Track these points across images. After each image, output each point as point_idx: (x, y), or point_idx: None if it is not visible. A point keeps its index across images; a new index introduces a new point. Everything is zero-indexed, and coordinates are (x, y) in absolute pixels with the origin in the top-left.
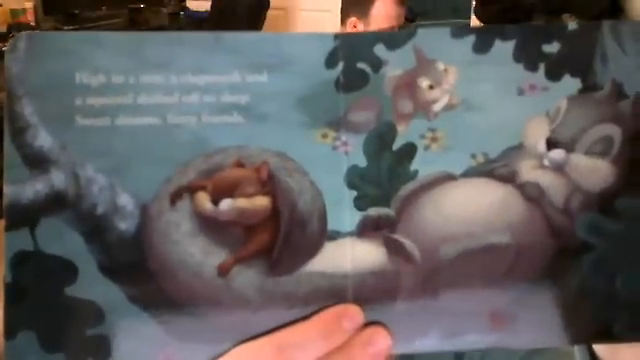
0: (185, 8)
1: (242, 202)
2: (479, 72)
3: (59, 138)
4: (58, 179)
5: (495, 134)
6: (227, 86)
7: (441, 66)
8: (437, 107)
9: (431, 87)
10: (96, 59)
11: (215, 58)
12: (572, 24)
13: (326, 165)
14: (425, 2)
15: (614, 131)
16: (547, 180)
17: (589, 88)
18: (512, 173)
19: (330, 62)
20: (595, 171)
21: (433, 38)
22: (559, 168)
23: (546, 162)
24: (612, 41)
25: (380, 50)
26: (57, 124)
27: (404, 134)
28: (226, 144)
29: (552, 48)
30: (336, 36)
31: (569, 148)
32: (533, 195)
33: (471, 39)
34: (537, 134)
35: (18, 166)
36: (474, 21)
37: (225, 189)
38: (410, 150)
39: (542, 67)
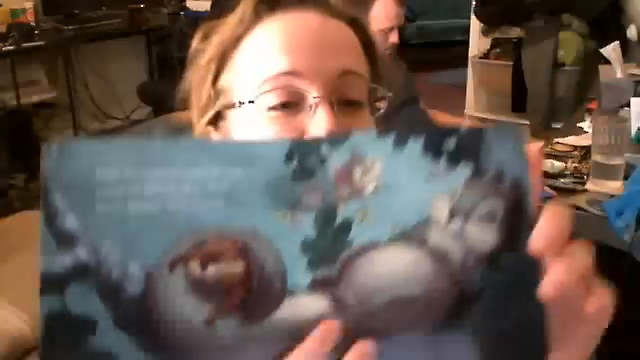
0: (185, 8)
1: (224, 267)
2: (398, 163)
3: (83, 222)
4: (82, 254)
5: (410, 210)
6: (211, 178)
7: (370, 160)
8: (367, 190)
9: (362, 176)
10: (112, 159)
11: (202, 156)
12: (464, 128)
13: (286, 238)
14: (425, 2)
15: (497, 205)
16: (449, 244)
17: (479, 173)
18: (423, 240)
19: (288, 159)
20: (484, 236)
21: (364, 138)
22: (458, 235)
23: (449, 230)
24: (494, 137)
25: (325, 148)
26: (81, 211)
27: (343, 212)
28: (211, 223)
29: (451, 144)
30: (291, 140)
31: (465, 219)
32: (439, 256)
33: (391, 139)
34: (441, 209)
35: (50, 244)
36: (474, 21)
37: (211, 258)
38: (348, 224)
39: (444, 158)
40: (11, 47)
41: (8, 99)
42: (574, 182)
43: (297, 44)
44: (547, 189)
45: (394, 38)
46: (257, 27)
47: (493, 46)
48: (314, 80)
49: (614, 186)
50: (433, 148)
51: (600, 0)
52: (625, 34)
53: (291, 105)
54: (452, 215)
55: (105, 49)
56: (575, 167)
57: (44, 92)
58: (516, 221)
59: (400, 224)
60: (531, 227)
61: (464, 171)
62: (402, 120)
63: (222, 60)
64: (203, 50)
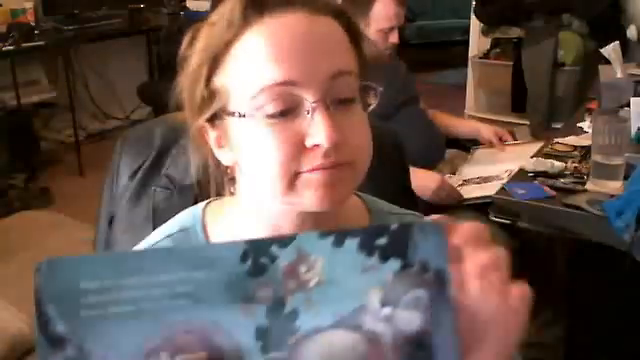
0: (185, 8)
1: (189, 356)
2: (337, 259)
3: (70, 326)
4: (71, 353)
5: (348, 299)
6: (178, 281)
7: (313, 257)
8: (311, 284)
9: (307, 271)
10: (93, 271)
11: (170, 264)
12: (394, 226)
13: (243, 327)
14: (425, 2)
15: (422, 293)
16: (382, 328)
17: (406, 266)
18: (359, 325)
19: (243, 259)
20: (412, 320)
21: (307, 239)
22: (389, 320)
23: (381, 316)
24: (420, 234)
25: (274, 249)
26: (69, 317)
27: (291, 303)
28: (178, 319)
29: (382, 241)
30: (245, 242)
31: (395, 306)
32: (373, 339)
33: (331, 238)
34: (374, 298)
35: (44, 347)
36: (474, 21)
37: (178, 350)
38: (295, 313)
39: (376, 253)
40: (11, 47)
41: (8, 99)
42: (574, 182)
43: (289, 52)
44: (547, 189)
45: (394, 38)
46: (247, 32)
47: (493, 46)
48: (309, 86)
49: (614, 186)
50: (367, 245)
51: (600, 0)
52: (625, 34)
53: (289, 112)
54: (383, 303)
55: (105, 49)
56: (575, 167)
57: (44, 92)
58: (438, 306)
59: (339, 312)
60: (452, 311)
61: (394, 264)
62: (402, 120)
63: (214, 63)
64: (193, 53)
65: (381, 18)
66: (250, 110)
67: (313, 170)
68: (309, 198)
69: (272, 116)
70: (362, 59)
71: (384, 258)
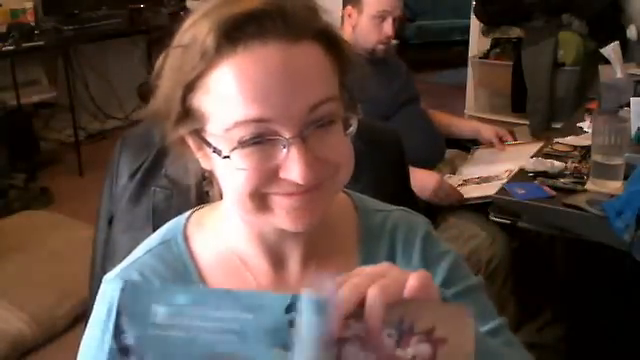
0: (185, 8)
1: None
2: None
3: (137, 340)
4: None
5: None
6: (230, 319)
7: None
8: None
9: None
10: (165, 297)
11: (225, 302)
12: None
13: None
14: (425, 2)
15: None
16: None
17: None
18: None
19: (288, 310)
20: None
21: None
22: None
23: None
24: None
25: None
26: (138, 332)
27: None
28: (224, 351)
29: None
30: (292, 296)
31: None
32: None
33: None
34: None
35: (114, 352)
36: (474, 21)
37: None
38: None
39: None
40: (11, 47)
41: (8, 99)
42: (574, 182)
43: (262, 90)
44: (547, 189)
45: (388, 28)
46: (220, 65)
47: (493, 46)
48: (285, 123)
49: (614, 186)
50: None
51: (600, 0)
52: (625, 34)
53: (264, 142)
54: None
55: (105, 49)
56: (575, 167)
57: (44, 92)
58: None
59: None
60: None
61: None
62: (402, 120)
63: (187, 89)
64: (166, 74)
65: (372, 3)
66: (226, 152)
67: (284, 195)
68: (282, 219)
69: (247, 146)
70: (344, 65)
71: None
